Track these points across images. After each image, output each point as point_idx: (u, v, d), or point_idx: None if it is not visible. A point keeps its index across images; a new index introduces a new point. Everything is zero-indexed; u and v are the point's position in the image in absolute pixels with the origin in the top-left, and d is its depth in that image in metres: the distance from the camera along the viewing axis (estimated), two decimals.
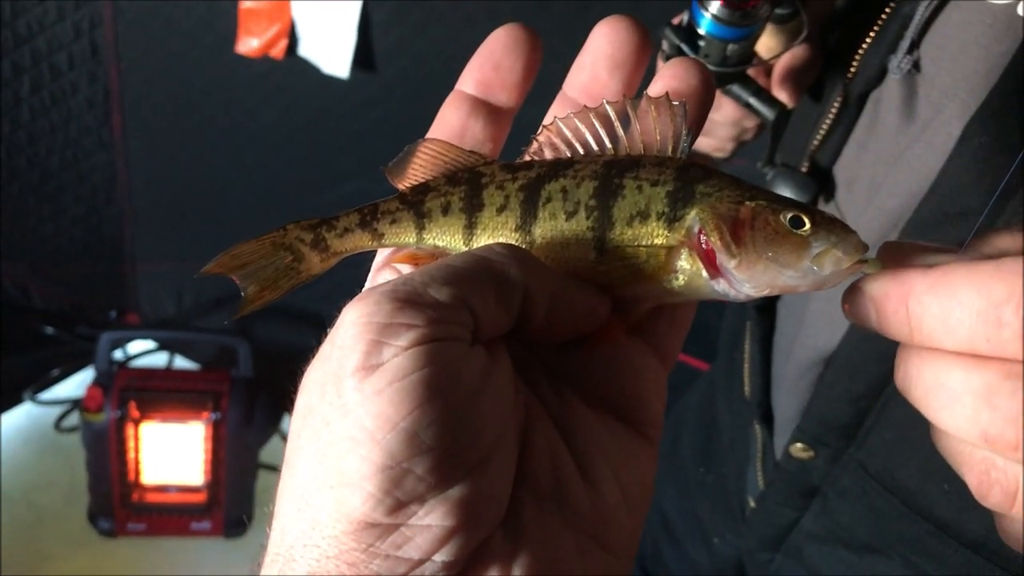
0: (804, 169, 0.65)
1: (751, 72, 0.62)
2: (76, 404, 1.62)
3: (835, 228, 0.31)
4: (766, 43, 0.63)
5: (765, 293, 0.32)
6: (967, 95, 0.50)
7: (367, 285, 0.34)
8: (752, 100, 0.61)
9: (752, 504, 0.72)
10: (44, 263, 1.71)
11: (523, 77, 0.35)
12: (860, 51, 0.60)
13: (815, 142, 0.64)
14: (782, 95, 0.64)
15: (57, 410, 1.69)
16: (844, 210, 0.64)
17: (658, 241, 0.32)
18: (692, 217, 0.31)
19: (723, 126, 0.71)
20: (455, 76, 1.46)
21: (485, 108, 0.35)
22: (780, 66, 0.64)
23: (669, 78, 0.34)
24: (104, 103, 1.54)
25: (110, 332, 1.56)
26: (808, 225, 0.31)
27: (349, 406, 0.26)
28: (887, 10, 0.58)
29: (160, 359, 1.80)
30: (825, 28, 0.66)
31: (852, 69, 0.61)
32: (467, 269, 0.28)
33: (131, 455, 1.54)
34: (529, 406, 0.31)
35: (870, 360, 0.54)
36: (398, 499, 0.26)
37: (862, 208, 0.61)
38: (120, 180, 1.65)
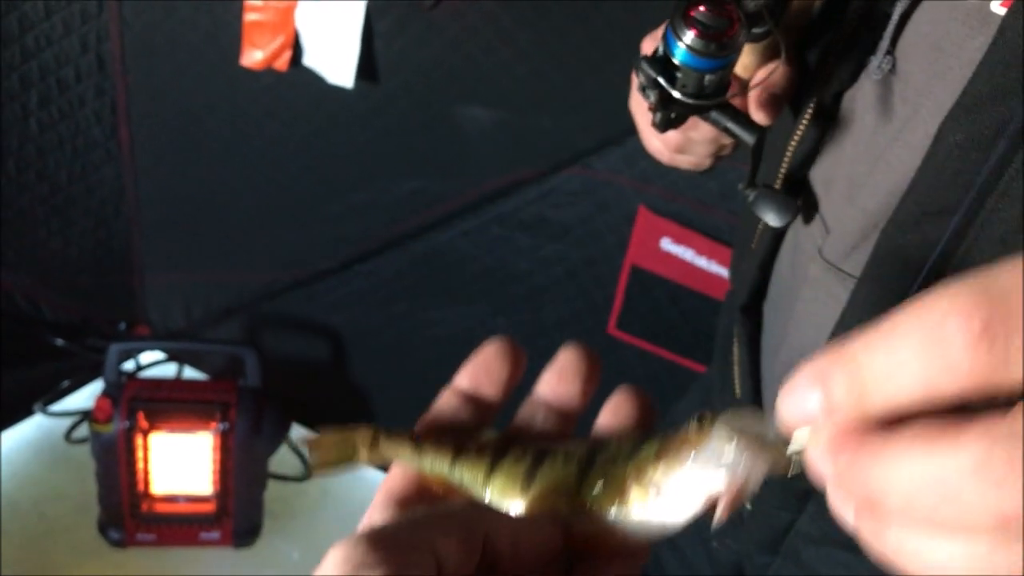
0: (779, 181, 0.64)
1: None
2: (86, 415, 1.63)
3: (727, 418, 0.34)
4: (742, 61, 0.62)
5: (688, 504, 0.35)
6: (942, 93, 0.50)
7: (362, 522, 0.39)
8: (731, 125, 0.59)
9: (748, 507, 0.71)
10: (53, 276, 1.73)
11: (508, 379, 0.41)
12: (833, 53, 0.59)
13: (789, 151, 0.64)
14: (759, 115, 0.62)
15: (67, 422, 1.71)
16: (823, 212, 0.64)
17: (618, 473, 0.37)
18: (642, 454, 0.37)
19: (701, 144, 0.70)
20: (457, 86, 1.47)
21: (474, 401, 0.42)
22: (756, 84, 0.63)
23: (613, 410, 0.41)
24: (111, 116, 1.55)
25: (118, 343, 1.57)
26: (702, 425, 0.34)
27: None
28: (855, 12, 0.58)
29: (170, 370, 1.81)
30: (801, 43, 0.64)
31: (825, 71, 0.60)
32: (434, 517, 0.34)
33: (140, 465, 1.54)
34: None
35: None
36: None
37: (842, 209, 0.61)
38: (128, 192, 1.67)
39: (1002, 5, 0.47)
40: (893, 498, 0.24)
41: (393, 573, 0.30)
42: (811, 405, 0.24)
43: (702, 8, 0.54)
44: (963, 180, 0.47)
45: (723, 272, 1.42)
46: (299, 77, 1.44)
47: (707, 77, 0.56)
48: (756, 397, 0.72)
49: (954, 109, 0.47)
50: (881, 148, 0.56)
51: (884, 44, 0.55)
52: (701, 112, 0.60)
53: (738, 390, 0.74)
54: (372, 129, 1.50)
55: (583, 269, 1.54)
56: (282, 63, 1.41)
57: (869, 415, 0.24)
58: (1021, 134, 0.44)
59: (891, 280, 0.51)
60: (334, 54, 1.40)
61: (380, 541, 0.31)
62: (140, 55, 1.49)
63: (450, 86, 1.42)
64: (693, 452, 0.34)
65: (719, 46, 0.54)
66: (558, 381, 0.41)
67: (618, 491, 0.37)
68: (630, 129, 1.16)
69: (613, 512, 0.36)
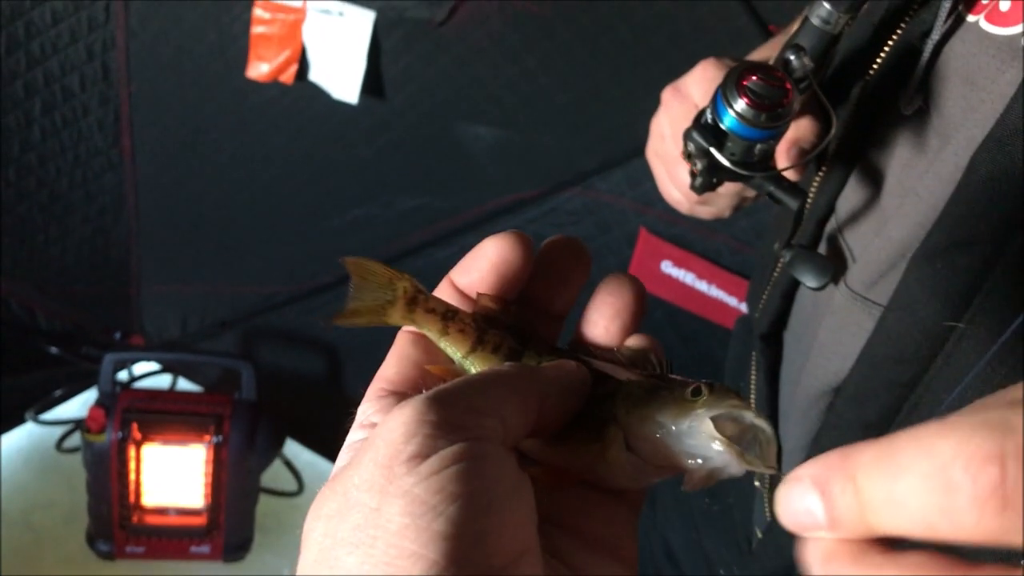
0: (803, 221, 0.63)
1: None
2: (78, 424, 1.61)
3: (728, 398, 0.33)
4: None
5: (656, 461, 0.34)
6: (974, 126, 0.50)
7: (356, 419, 0.36)
8: (775, 191, 0.58)
9: (759, 535, 0.71)
10: (50, 283, 1.72)
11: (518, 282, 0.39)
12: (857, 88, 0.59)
13: (813, 189, 0.63)
14: (790, 172, 0.61)
15: (59, 430, 1.69)
16: (849, 241, 0.64)
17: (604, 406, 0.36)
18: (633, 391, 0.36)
19: (725, 197, 0.70)
20: (462, 104, 1.47)
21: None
22: (785, 139, 0.61)
23: (605, 295, 0.39)
24: (114, 125, 1.55)
25: (113, 353, 1.57)
26: (704, 394, 0.33)
27: (404, 486, 0.27)
28: (886, 47, 0.58)
29: (164, 381, 1.80)
30: (827, 90, 0.62)
31: (857, 110, 0.60)
32: (496, 380, 0.33)
33: (132, 477, 1.53)
34: None
35: (881, 388, 0.54)
36: (461, 569, 0.26)
37: (868, 239, 0.61)
38: (128, 201, 1.66)
39: None
40: None
41: (469, 435, 0.29)
42: (816, 512, 0.23)
43: (755, 77, 0.54)
44: (994, 212, 0.47)
45: (723, 297, 1.42)
46: (304, 91, 1.44)
47: (757, 146, 0.55)
48: (773, 426, 0.72)
49: (986, 141, 0.48)
50: (913, 180, 0.56)
51: (916, 79, 0.55)
52: (747, 180, 0.59)
53: None
54: (376, 145, 1.50)
55: (583, 290, 1.53)
56: (288, 77, 1.41)
57: (873, 534, 0.23)
58: None
59: (919, 310, 0.51)
60: (340, 70, 1.40)
61: (451, 404, 0.30)
62: (145, 64, 1.49)
63: (455, 104, 1.42)
64: (678, 419, 0.33)
65: (771, 116, 0.54)
66: (595, 324, 0.40)
67: (595, 429, 0.35)
68: (632, 151, 1.16)
69: (588, 445, 0.35)
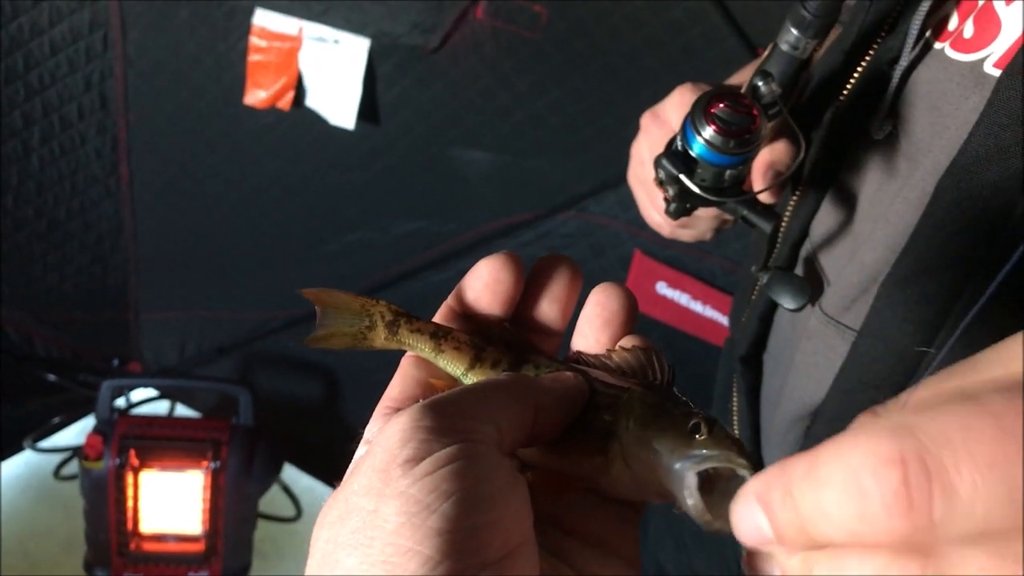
0: (778, 244, 0.64)
1: None
2: (76, 452, 1.61)
3: (724, 444, 0.32)
4: None
5: (648, 481, 0.34)
6: (939, 151, 0.51)
7: (364, 436, 0.37)
8: (748, 214, 0.59)
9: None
10: (48, 311, 1.72)
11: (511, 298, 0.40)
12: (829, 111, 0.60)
13: (787, 213, 0.64)
14: (766, 195, 0.61)
15: (57, 458, 1.69)
16: (824, 266, 0.64)
17: (607, 418, 0.37)
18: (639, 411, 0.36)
19: (704, 220, 0.71)
20: (456, 129, 1.48)
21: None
22: (760, 162, 0.61)
23: (594, 305, 0.40)
24: (112, 153, 1.56)
25: (111, 380, 1.57)
26: (703, 433, 0.33)
27: (400, 488, 0.28)
28: (856, 73, 0.58)
29: (162, 407, 1.80)
30: (800, 116, 0.62)
31: (828, 135, 0.60)
32: (491, 389, 0.34)
33: (129, 503, 1.53)
34: None
35: (856, 413, 0.54)
36: (456, 563, 0.27)
37: (841, 263, 0.61)
38: (126, 229, 1.67)
39: (995, 66, 0.48)
40: None
41: (464, 438, 0.30)
42: (764, 528, 0.24)
43: (722, 104, 0.54)
44: (961, 237, 0.48)
45: (717, 317, 1.43)
46: (301, 117, 1.45)
47: (727, 172, 0.56)
48: (756, 447, 0.72)
49: (950, 168, 0.48)
50: (883, 205, 0.57)
51: (885, 105, 0.56)
52: (719, 205, 0.59)
53: None
54: (372, 170, 1.51)
55: (579, 313, 1.54)
56: (285, 103, 1.43)
57: (816, 545, 0.24)
58: (1017, 192, 0.45)
59: (891, 335, 0.52)
60: (336, 96, 1.42)
61: (446, 410, 0.31)
62: (143, 93, 1.50)
63: (449, 129, 1.44)
64: (671, 455, 0.33)
65: (739, 143, 0.54)
66: (585, 333, 0.41)
67: (598, 441, 0.36)
68: (625, 174, 1.16)
69: (591, 457, 0.36)
